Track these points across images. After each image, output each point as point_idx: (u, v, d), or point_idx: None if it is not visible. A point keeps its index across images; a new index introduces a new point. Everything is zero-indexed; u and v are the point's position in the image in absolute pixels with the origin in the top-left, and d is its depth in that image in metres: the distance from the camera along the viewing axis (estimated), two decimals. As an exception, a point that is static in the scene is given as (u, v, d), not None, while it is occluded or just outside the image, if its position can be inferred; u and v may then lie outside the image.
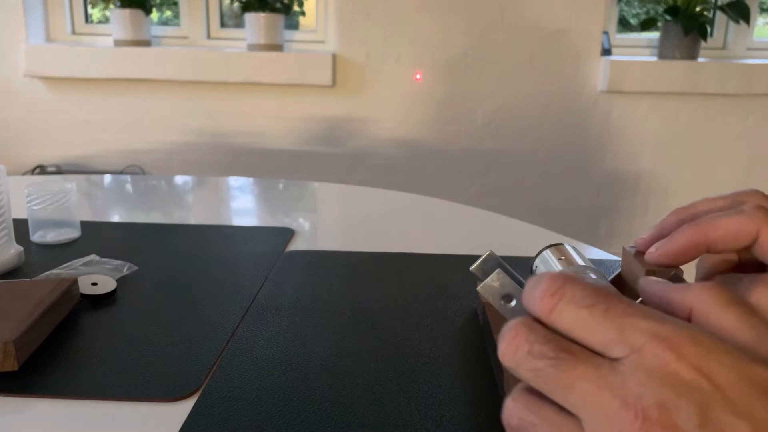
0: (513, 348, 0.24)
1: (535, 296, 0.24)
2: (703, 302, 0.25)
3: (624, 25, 2.62)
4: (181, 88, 2.44)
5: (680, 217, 0.35)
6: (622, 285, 0.37)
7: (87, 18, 2.57)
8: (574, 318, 0.23)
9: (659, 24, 2.41)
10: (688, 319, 0.25)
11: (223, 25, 2.57)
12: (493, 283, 0.38)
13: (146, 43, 2.45)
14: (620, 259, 0.43)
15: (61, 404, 0.47)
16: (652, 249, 0.33)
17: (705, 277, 0.35)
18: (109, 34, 2.47)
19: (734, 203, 0.33)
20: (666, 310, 0.26)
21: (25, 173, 2.46)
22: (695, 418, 0.20)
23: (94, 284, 0.64)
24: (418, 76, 2.37)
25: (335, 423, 0.45)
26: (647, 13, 2.64)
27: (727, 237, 0.31)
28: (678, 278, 0.32)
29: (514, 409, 0.24)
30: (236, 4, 2.49)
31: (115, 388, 0.49)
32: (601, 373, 0.22)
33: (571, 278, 0.24)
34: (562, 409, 0.23)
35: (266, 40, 2.38)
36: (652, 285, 0.28)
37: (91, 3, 2.56)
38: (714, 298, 0.24)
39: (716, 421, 0.20)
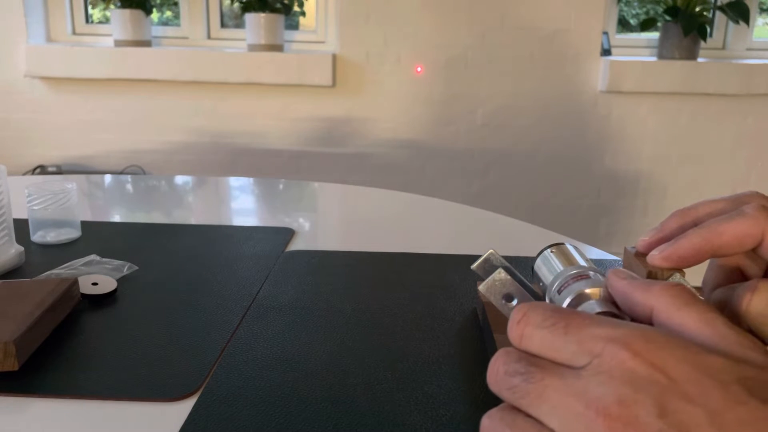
0: (494, 373, 0.26)
1: (508, 327, 0.27)
2: (663, 301, 0.26)
3: (624, 25, 2.63)
4: (181, 89, 2.44)
5: (682, 219, 0.35)
6: None
7: (87, 18, 2.58)
8: (540, 340, 0.25)
9: (659, 24, 2.41)
10: (650, 316, 0.27)
11: (223, 25, 2.57)
12: (494, 283, 0.38)
13: (146, 44, 2.45)
14: (620, 259, 0.43)
15: (61, 404, 0.47)
16: (655, 252, 0.33)
17: (712, 290, 0.35)
18: (110, 35, 2.48)
19: (735, 205, 0.33)
20: (629, 309, 0.28)
21: (25, 173, 2.46)
22: (654, 410, 0.21)
23: (95, 284, 0.64)
24: (419, 69, 2.37)
25: (335, 423, 0.45)
26: (647, 13, 2.65)
27: (733, 241, 0.31)
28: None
29: (489, 426, 0.26)
30: (236, 5, 2.50)
31: (115, 388, 0.49)
32: (567, 382, 0.23)
33: (533, 305, 0.26)
34: (536, 421, 0.24)
35: (266, 40, 2.38)
36: (618, 282, 0.29)
37: (91, 3, 2.56)
38: (673, 297, 0.26)
39: (674, 411, 0.21)
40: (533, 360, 0.25)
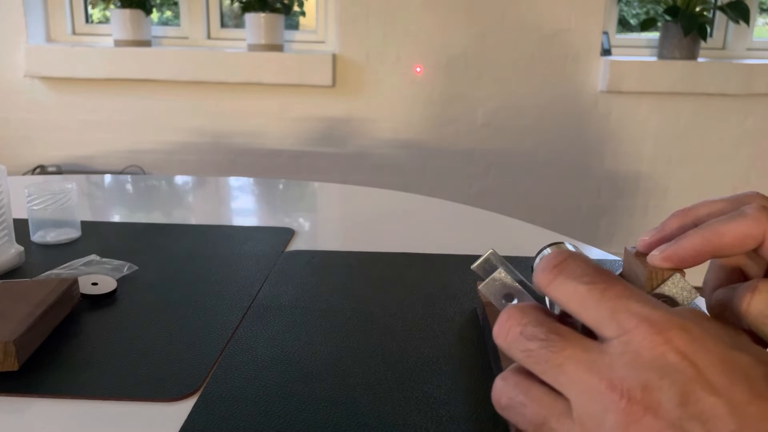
0: (506, 329, 0.25)
1: (539, 268, 0.26)
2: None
3: (624, 25, 2.63)
4: (181, 88, 2.44)
5: (682, 219, 0.35)
6: None
7: (87, 18, 2.58)
8: (572, 292, 0.24)
9: (659, 24, 2.41)
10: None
11: (223, 25, 2.57)
12: (494, 283, 0.38)
13: (146, 44, 2.45)
14: (620, 259, 0.43)
15: (61, 404, 0.47)
16: (655, 252, 0.33)
17: (713, 290, 0.35)
18: (110, 35, 2.48)
19: (736, 205, 0.33)
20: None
21: (25, 173, 2.46)
22: (676, 398, 0.21)
23: (95, 284, 0.64)
24: (418, 69, 2.37)
25: (335, 423, 0.45)
26: (647, 13, 2.65)
27: (734, 242, 0.31)
28: (671, 300, 0.32)
29: (503, 388, 0.25)
30: (236, 5, 2.49)
31: (115, 388, 0.49)
32: (590, 356, 0.23)
33: (573, 254, 0.25)
34: (551, 389, 0.24)
35: (266, 40, 2.38)
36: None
37: (91, 3, 2.56)
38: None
39: (696, 400, 0.21)
40: (554, 327, 0.24)
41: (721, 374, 0.21)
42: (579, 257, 0.25)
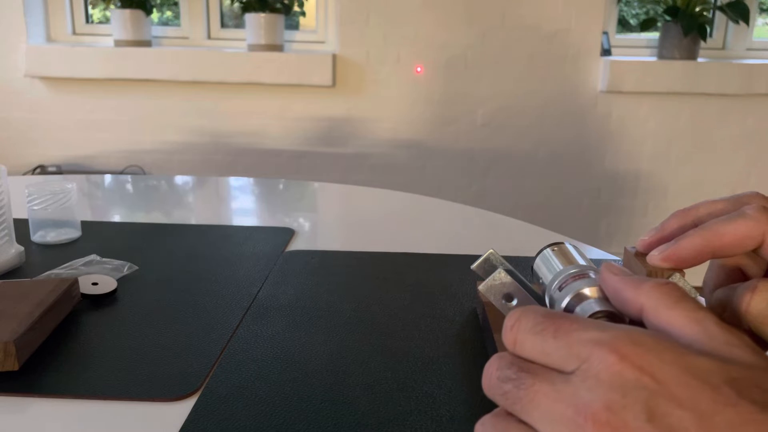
0: (488, 378, 0.26)
1: (503, 333, 0.27)
2: (653, 300, 0.26)
3: (623, 25, 2.63)
4: (181, 88, 2.44)
5: (682, 219, 0.35)
6: None
7: (87, 18, 2.58)
8: (532, 345, 0.25)
9: (659, 24, 2.41)
10: (640, 314, 0.27)
11: (223, 25, 2.57)
12: (494, 283, 0.38)
13: (146, 44, 2.45)
14: (620, 259, 0.43)
15: (61, 404, 0.47)
16: (655, 252, 0.33)
17: (713, 290, 0.35)
18: (110, 35, 2.48)
19: (735, 206, 0.33)
20: (621, 306, 0.28)
21: (25, 173, 2.46)
22: (642, 415, 0.21)
23: (95, 284, 0.64)
24: (419, 69, 2.37)
25: (335, 423, 0.45)
26: (647, 13, 2.65)
27: (733, 243, 0.31)
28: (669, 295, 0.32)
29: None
30: (236, 5, 2.50)
31: (115, 388, 0.49)
32: (556, 387, 0.23)
33: (525, 311, 0.26)
34: (528, 427, 0.24)
35: (266, 40, 2.38)
36: (610, 278, 0.29)
37: (91, 3, 2.56)
38: (663, 295, 0.26)
39: (663, 414, 0.21)
40: (524, 365, 0.25)
41: (683, 385, 0.21)
42: (530, 311, 0.26)
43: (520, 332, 0.26)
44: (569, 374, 0.23)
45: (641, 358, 0.22)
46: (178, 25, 2.56)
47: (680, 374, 0.22)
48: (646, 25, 2.44)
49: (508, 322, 0.26)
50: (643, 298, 0.26)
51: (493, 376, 0.26)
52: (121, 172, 2.47)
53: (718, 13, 2.47)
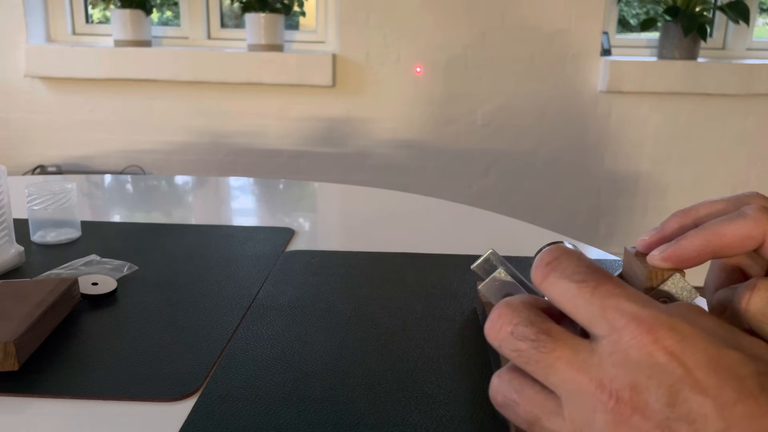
0: (497, 327, 0.25)
1: (533, 264, 0.26)
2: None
3: (624, 25, 2.63)
4: (181, 89, 2.44)
5: (682, 219, 0.35)
6: None
7: (87, 18, 2.58)
8: (564, 290, 0.24)
9: (659, 24, 2.41)
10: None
11: (223, 25, 2.57)
12: (494, 282, 0.38)
13: (146, 44, 2.45)
14: (620, 259, 0.43)
15: (61, 404, 0.47)
16: (655, 252, 0.33)
17: (715, 291, 0.35)
18: (110, 35, 2.48)
19: (736, 206, 0.33)
20: None
21: (25, 173, 2.46)
22: (663, 398, 0.21)
23: (95, 284, 0.64)
24: (418, 69, 2.37)
25: (335, 423, 0.45)
26: (647, 13, 2.65)
27: (734, 243, 0.31)
28: (671, 299, 0.32)
29: (499, 386, 0.26)
30: (236, 5, 2.50)
31: (115, 388, 0.49)
32: (580, 356, 0.23)
33: (567, 252, 0.26)
34: (543, 387, 0.24)
35: (266, 40, 2.38)
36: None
37: (91, 3, 2.56)
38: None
39: (684, 400, 0.21)
40: (545, 327, 0.24)
41: (710, 374, 0.21)
42: (573, 255, 0.25)
43: (555, 271, 0.25)
44: (593, 342, 0.23)
45: (675, 345, 0.22)
46: (178, 25, 2.56)
47: (708, 362, 0.22)
48: (646, 25, 2.44)
49: (545, 257, 0.25)
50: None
51: (506, 329, 0.25)
52: (121, 172, 2.47)
53: (718, 13, 2.47)
